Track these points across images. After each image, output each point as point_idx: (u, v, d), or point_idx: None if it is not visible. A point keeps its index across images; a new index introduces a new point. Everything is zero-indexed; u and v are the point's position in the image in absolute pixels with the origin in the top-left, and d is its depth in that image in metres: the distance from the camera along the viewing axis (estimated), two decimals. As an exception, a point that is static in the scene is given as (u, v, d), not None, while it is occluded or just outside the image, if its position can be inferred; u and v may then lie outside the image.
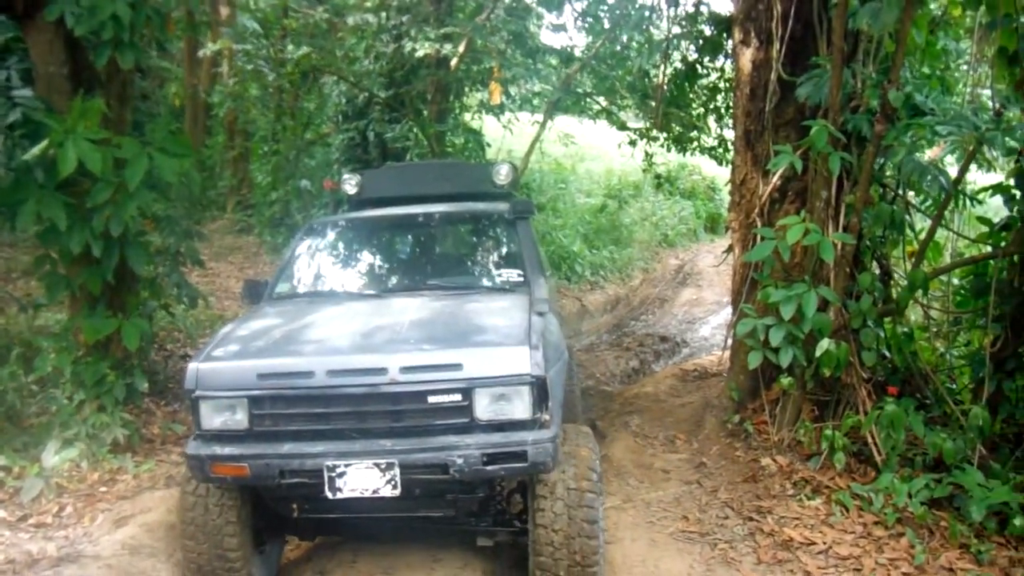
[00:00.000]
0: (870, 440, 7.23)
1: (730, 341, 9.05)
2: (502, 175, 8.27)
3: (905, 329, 8.00)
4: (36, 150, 6.87)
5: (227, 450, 5.23)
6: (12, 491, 6.90)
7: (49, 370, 7.97)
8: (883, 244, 8.35)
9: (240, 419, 5.26)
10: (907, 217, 8.20)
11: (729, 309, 10.33)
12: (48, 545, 6.15)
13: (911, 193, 8.38)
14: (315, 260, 7.61)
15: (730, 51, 11.22)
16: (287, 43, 16.04)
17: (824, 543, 6.27)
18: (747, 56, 8.40)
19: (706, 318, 17.33)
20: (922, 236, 7.99)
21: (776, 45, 7.88)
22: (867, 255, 8.16)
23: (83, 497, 6.97)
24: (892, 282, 8.38)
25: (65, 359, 7.85)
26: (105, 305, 7.96)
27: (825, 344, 6.99)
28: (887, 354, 8.25)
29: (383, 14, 14.54)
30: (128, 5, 6.97)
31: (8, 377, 7.75)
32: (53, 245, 7.63)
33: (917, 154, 7.38)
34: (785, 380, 7.53)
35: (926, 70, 8.43)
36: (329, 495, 5.11)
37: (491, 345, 5.28)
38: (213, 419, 5.31)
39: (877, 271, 8.16)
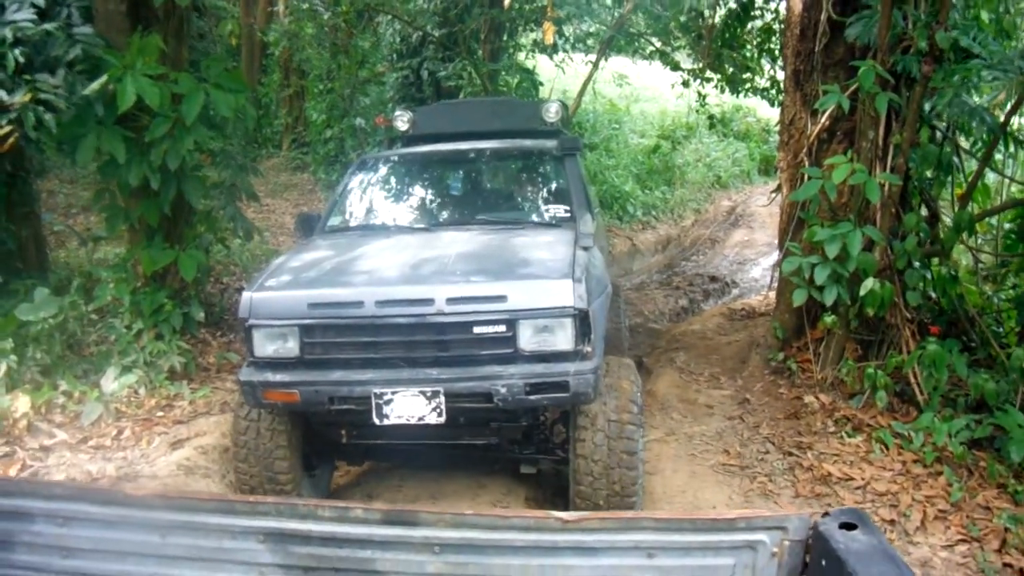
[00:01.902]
0: (912, 380, 7.26)
1: (776, 280, 9.08)
2: (551, 113, 8.31)
3: (951, 271, 7.97)
4: (96, 85, 7.02)
5: (279, 377, 5.38)
6: (73, 415, 7.12)
7: (109, 300, 8.21)
8: (930, 186, 8.32)
9: (291, 347, 5.41)
10: (956, 159, 8.17)
11: (779, 252, 10.34)
12: (107, 466, 6.38)
13: (962, 136, 8.33)
14: (366, 194, 7.73)
15: (782, -9, 11.14)
16: (342, -19, 16.06)
17: (862, 479, 6.35)
18: (798, -4, 8.36)
19: (757, 259, 17.26)
20: (971, 178, 7.96)
21: (827, -15, 7.84)
22: (914, 196, 8.14)
23: (140, 421, 7.20)
24: (939, 224, 8.33)
25: (124, 289, 8.07)
26: (163, 237, 8.16)
27: (870, 283, 7.00)
28: (932, 295, 8.27)
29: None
30: (185, -57, 7.07)
31: (69, 307, 7.91)
32: (112, 178, 7.81)
33: (965, 96, 7.33)
34: (829, 319, 7.58)
35: (984, 15, 8.33)
36: (376, 421, 5.25)
37: (535, 278, 5.37)
38: (266, 347, 5.46)
39: (924, 212, 8.13)
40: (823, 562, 2.14)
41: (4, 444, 6.56)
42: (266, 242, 12.43)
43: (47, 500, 2.57)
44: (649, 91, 29.16)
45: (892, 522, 5.80)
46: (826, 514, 2.20)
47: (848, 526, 2.14)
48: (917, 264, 7.56)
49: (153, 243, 8.09)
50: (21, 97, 6.82)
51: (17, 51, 6.85)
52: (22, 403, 6.82)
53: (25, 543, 2.57)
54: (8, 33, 6.86)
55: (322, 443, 6.31)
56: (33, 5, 7.14)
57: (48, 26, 7.13)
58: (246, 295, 5.56)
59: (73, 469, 6.30)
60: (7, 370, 7.05)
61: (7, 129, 6.91)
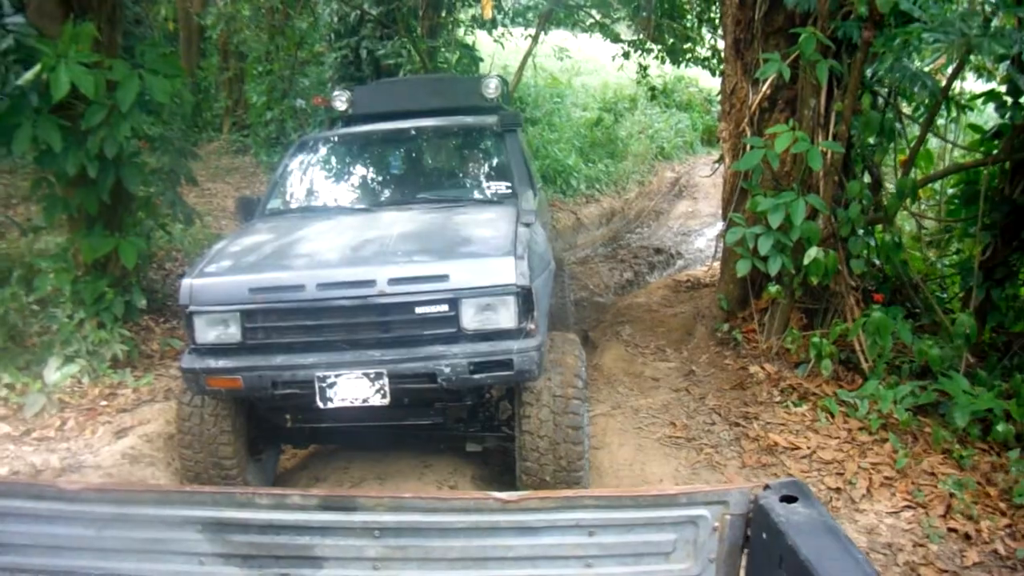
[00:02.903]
0: (857, 348, 7.31)
1: (720, 251, 9.11)
2: (491, 89, 8.28)
3: (895, 238, 8.02)
4: (29, 75, 6.92)
5: (221, 363, 5.33)
6: (15, 407, 7.03)
7: (49, 290, 8.07)
8: (873, 152, 8.35)
9: (233, 333, 5.35)
10: (898, 125, 8.20)
11: (723, 222, 10.37)
12: (51, 457, 6.29)
13: (903, 102, 8.37)
14: (306, 176, 7.66)
15: (721, -40, 11.13)
16: (277, -39, 15.92)
17: (808, 448, 6.39)
18: (736, -36, 8.35)
19: (701, 230, 17.37)
20: (913, 144, 8.01)
21: (764, -47, 7.84)
22: (857, 163, 8.17)
23: (84, 411, 7.11)
24: (882, 190, 8.39)
25: (64, 279, 7.95)
26: (102, 225, 8.04)
27: (813, 252, 7.02)
28: (876, 262, 8.31)
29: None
30: (116, -73, 6.97)
31: (10, 298, 7.83)
32: (50, 167, 7.70)
33: (907, 61, 7.35)
34: (773, 288, 7.60)
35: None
36: (320, 405, 5.21)
37: (477, 256, 5.33)
38: (207, 333, 5.39)
39: (867, 179, 8.17)
40: (764, 535, 2.13)
41: (-55, 438, 6.45)
42: (208, 227, 12.32)
43: (-24, 497, 2.52)
44: (590, 64, 29.15)
45: (838, 490, 5.84)
46: (767, 487, 2.19)
47: (788, 499, 2.14)
48: (860, 232, 7.59)
49: (93, 231, 7.97)
50: (-48, 91, 6.72)
51: (-54, 44, 6.74)
52: (-37, 396, 6.72)
53: (-43, 541, 2.52)
54: (-64, 26, 6.74)
55: (267, 428, 6.27)
56: (-38, -3, 7.03)
57: (-22, 18, 7.02)
58: (185, 282, 5.49)
59: (17, 462, 6.20)
60: (-52, 364, 6.93)
61: (-62, 125, 6.81)
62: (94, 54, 7.17)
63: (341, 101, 8.55)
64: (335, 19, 16.81)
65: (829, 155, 7.30)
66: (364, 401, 5.18)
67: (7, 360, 7.48)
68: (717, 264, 9.72)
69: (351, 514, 2.28)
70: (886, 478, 5.96)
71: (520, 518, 2.24)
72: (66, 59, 6.90)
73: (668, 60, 17.82)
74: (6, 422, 6.82)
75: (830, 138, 7.45)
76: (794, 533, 2.00)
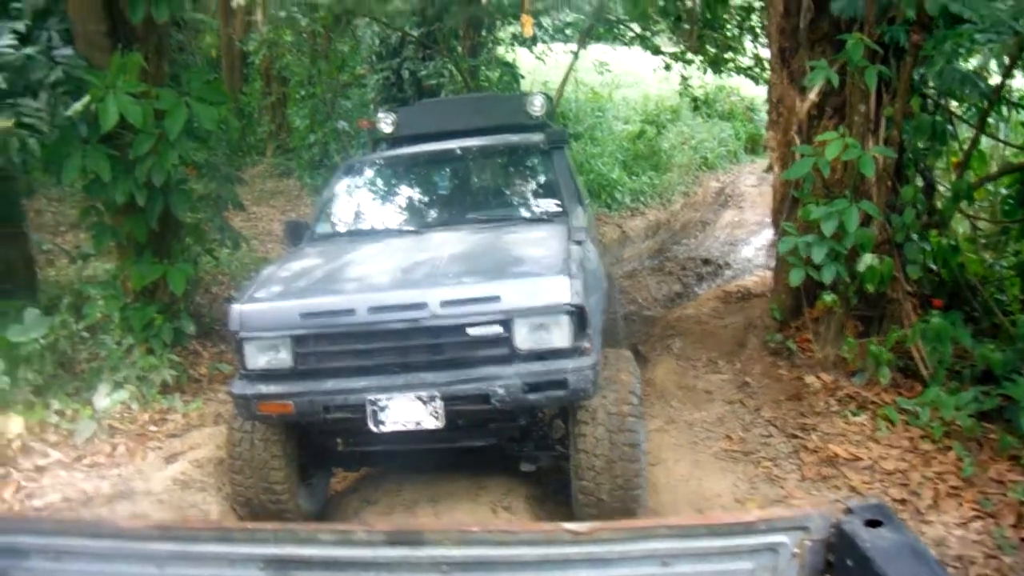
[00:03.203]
0: (916, 354, 7.18)
1: (772, 261, 9.02)
2: (536, 106, 8.25)
3: (951, 241, 7.90)
4: (78, 106, 7.03)
5: (272, 388, 5.33)
6: (66, 433, 7.05)
7: (98, 317, 8.14)
8: (925, 156, 8.24)
9: (284, 358, 5.35)
10: (949, 127, 8.09)
11: (771, 230, 10.27)
12: (102, 483, 6.30)
13: (953, 103, 8.26)
14: (353, 199, 7.66)
15: (762, -32, 11.08)
16: (318, -14, 16.01)
17: (869, 458, 6.27)
18: (779, -28, 8.28)
19: (748, 239, 17.21)
20: (966, 146, 7.89)
21: (808, -40, 7.77)
22: (909, 168, 8.05)
23: (134, 437, 7.14)
24: (936, 194, 8.28)
25: (113, 305, 8.02)
26: (151, 252, 8.11)
27: (868, 259, 6.93)
28: (932, 267, 8.17)
29: (413, -48, 14.49)
30: (162, -40, 7.05)
31: (60, 325, 7.87)
32: (99, 196, 7.83)
33: (957, 62, 7.25)
34: (828, 297, 7.49)
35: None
36: (373, 428, 5.19)
37: (529, 276, 5.30)
38: (258, 359, 5.40)
39: (920, 183, 8.04)
40: (848, 562, 2.06)
41: (-2, 466, 6.48)
42: (254, 250, 12.38)
43: (40, 535, 2.50)
44: (630, 76, 29.06)
45: (903, 501, 5.72)
46: (849, 511, 2.12)
47: (873, 523, 2.07)
48: (915, 236, 7.47)
49: (141, 258, 8.05)
50: (4, 122, 6.82)
51: (-1, 77, 6.83)
52: (15, 424, 6.74)
53: (19, 580, 2.51)
54: (-10, 60, 6.84)
55: (318, 452, 6.24)
56: (13, 31, 7.13)
57: (29, 50, 7.17)
58: (235, 308, 5.51)
59: (68, 488, 6.22)
60: (-1, 392, 6.99)
61: (-8, 154, 6.90)
62: (141, 84, 7.28)
63: (387, 123, 8.55)
64: (376, 41, 16.92)
65: (881, 160, 7.22)
66: (417, 424, 5.15)
67: (57, 387, 7.54)
68: (767, 274, 9.62)
69: (417, 549, 2.24)
70: (952, 487, 5.82)
71: (592, 550, 2.19)
72: (114, 90, 7.02)
73: (710, 70, 17.73)
74: (57, 448, 6.85)
75: (881, 143, 7.36)
76: (881, 559, 1.94)
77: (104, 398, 7.36)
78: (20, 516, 5.17)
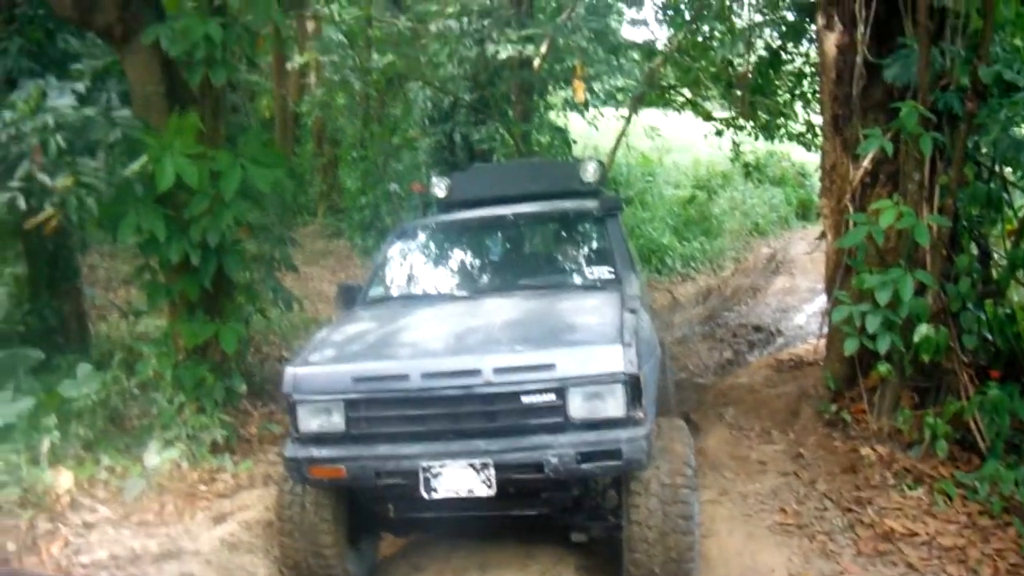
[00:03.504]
0: (973, 427, 7.04)
1: (825, 329, 8.93)
2: (589, 172, 8.25)
3: (1007, 310, 7.80)
4: (136, 166, 7.13)
5: (324, 452, 5.33)
6: (116, 490, 7.06)
7: (150, 374, 8.16)
8: (980, 224, 8.14)
9: (336, 422, 5.36)
10: (1004, 195, 8.01)
11: (823, 297, 10.18)
12: (150, 542, 6.28)
13: (1008, 171, 8.19)
14: (406, 263, 7.70)
15: (814, 36, 11.10)
16: (372, 52, 16.22)
17: (927, 534, 6.15)
18: (831, 40, 8.26)
19: (800, 306, 17.08)
20: (1021, 214, 7.81)
21: (860, 27, 7.72)
22: (964, 236, 7.96)
23: (183, 496, 7.11)
24: (992, 263, 8.17)
25: (165, 363, 8.04)
26: (203, 311, 8.15)
27: (924, 329, 6.85)
28: (989, 337, 8.05)
29: (465, 19, 14.65)
30: (219, 25, 7.18)
31: (111, 381, 7.94)
32: (153, 255, 7.87)
33: (1012, 130, 7.20)
34: (883, 367, 7.39)
35: (1018, 42, 8.22)
36: (424, 495, 5.16)
37: (584, 344, 5.28)
38: (310, 422, 5.41)
39: (975, 252, 7.95)
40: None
41: (47, 520, 6.45)
42: (304, 311, 12.43)
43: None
44: (681, 141, 29.13)
45: (961, 579, 5.62)
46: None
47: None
48: (971, 306, 7.38)
49: (194, 317, 8.09)
50: (63, 181, 6.91)
51: (59, 136, 6.95)
52: (65, 479, 6.78)
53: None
54: (50, 119, 6.96)
55: (367, 516, 6.20)
56: (73, 91, 7.25)
57: (88, 111, 7.26)
58: (289, 370, 5.54)
59: (116, 546, 6.21)
60: (51, 446, 7.03)
61: (50, 213, 6.97)
62: (198, 145, 7.35)
63: (440, 188, 8.60)
64: (429, 105, 17.04)
65: (935, 229, 7.15)
66: (469, 491, 5.12)
67: (108, 443, 7.61)
68: (820, 342, 9.51)
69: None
70: (1012, 565, 5.70)
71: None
72: (171, 150, 7.13)
73: (761, 136, 17.73)
74: (106, 505, 6.85)
75: (935, 211, 7.29)
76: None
77: (154, 455, 7.38)
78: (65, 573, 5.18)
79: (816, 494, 6.98)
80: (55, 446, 7.09)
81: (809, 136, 16.96)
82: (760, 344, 14.46)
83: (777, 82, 16.60)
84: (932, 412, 7.22)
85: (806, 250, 15.69)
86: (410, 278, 7.55)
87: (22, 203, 7.11)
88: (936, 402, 7.47)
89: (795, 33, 13.82)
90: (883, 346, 7.08)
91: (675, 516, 5.25)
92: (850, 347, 7.31)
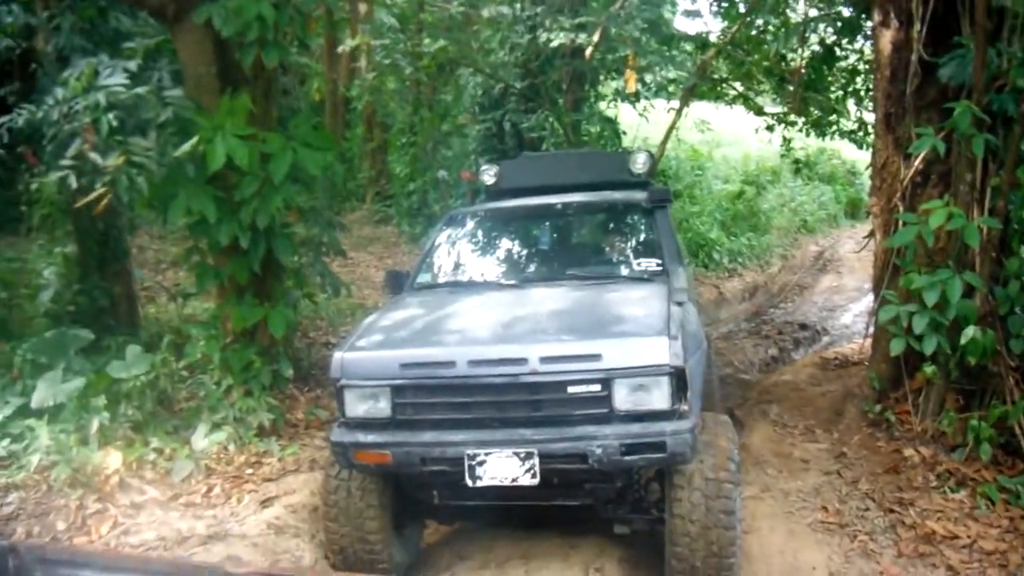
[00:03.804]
0: (1018, 431, 7.01)
1: (872, 329, 8.89)
2: (639, 164, 8.21)
3: (1056, 315, 7.74)
4: (187, 146, 7.14)
5: (370, 438, 5.36)
6: (163, 472, 7.14)
7: (198, 357, 8.26)
8: (1031, 227, 8.09)
9: (383, 407, 5.39)
10: (1057, 199, 7.94)
11: (871, 296, 10.13)
12: (197, 523, 6.38)
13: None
14: (455, 250, 7.71)
15: (869, 32, 11.01)
16: (423, 37, 16.21)
17: (968, 537, 6.12)
18: (887, 37, 8.20)
19: (847, 305, 17.01)
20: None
21: (917, 25, 7.66)
22: (1015, 239, 7.86)
23: (230, 478, 7.20)
24: (1042, 267, 8.11)
25: (214, 346, 8.13)
26: (252, 294, 8.19)
27: (971, 332, 6.81)
28: (1036, 342, 8.00)
29: (517, 5, 14.64)
30: (272, 6, 7.16)
31: (160, 363, 7.99)
32: (202, 237, 7.91)
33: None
34: (929, 369, 7.36)
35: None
36: (469, 483, 5.18)
37: (630, 335, 5.28)
38: (357, 407, 5.45)
39: (1025, 255, 7.91)
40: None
41: (96, 501, 6.57)
42: (351, 296, 12.48)
43: (148, 575, 2.54)
44: (731, 136, 28.99)
45: (1002, 583, 5.59)
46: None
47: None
48: (1020, 310, 7.31)
49: (243, 300, 8.14)
50: (115, 160, 6.97)
51: (110, 115, 7.03)
52: (114, 459, 6.87)
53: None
54: (102, 98, 7.02)
55: (412, 503, 6.23)
56: (125, 70, 7.30)
57: (140, 90, 7.30)
58: (337, 355, 5.57)
59: (164, 527, 6.31)
60: (100, 427, 7.11)
61: (101, 191, 7.04)
62: (249, 127, 7.36)
63: (489, 175, 8.58)
64: (479, 92, 17.04)
65: (986, 231, 7.09)
66: (513, 480, 5.12)
67: (156, 424, 7.66)
68: (866, 342, 9.46)
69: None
70: (1053, 571, 5.68)
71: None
72: (222, 131, 7.11)
73: (813, 132, 17.61)
74: (154, 486, 6.94)
75: (986, 213, 7.24)
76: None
77: (202, 438, 7.47)
78: (128, 555, 5.25)
79: (858, 494, 6.96)
80: (104, 427, 7.17)
81: (861, 134, 16.79)
82: (806, 342, 14.43)
83: (830, 78, 16.47)
84: (977, 415, 7.19)
85: (854, 249, 15.57)
86: (458, 265, 7.56)
87: (73, 182, 7.20)
88: (981, 405, 7.43)
89: (850, 29, 13.69)
90: (929, 347, 7.05)
91: (717, 511, 5.25)
92: (896, 347, 7.29)
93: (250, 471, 7.37)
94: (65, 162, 7.19)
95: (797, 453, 7.85)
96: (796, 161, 18.97)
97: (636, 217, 7.71)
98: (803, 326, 15.28)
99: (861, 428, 8.12)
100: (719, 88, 19.18)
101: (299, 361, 9.58)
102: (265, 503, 6.81)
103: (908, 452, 7.35)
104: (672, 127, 17.21)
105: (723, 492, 5.28)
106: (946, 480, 6.91)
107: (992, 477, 6.81)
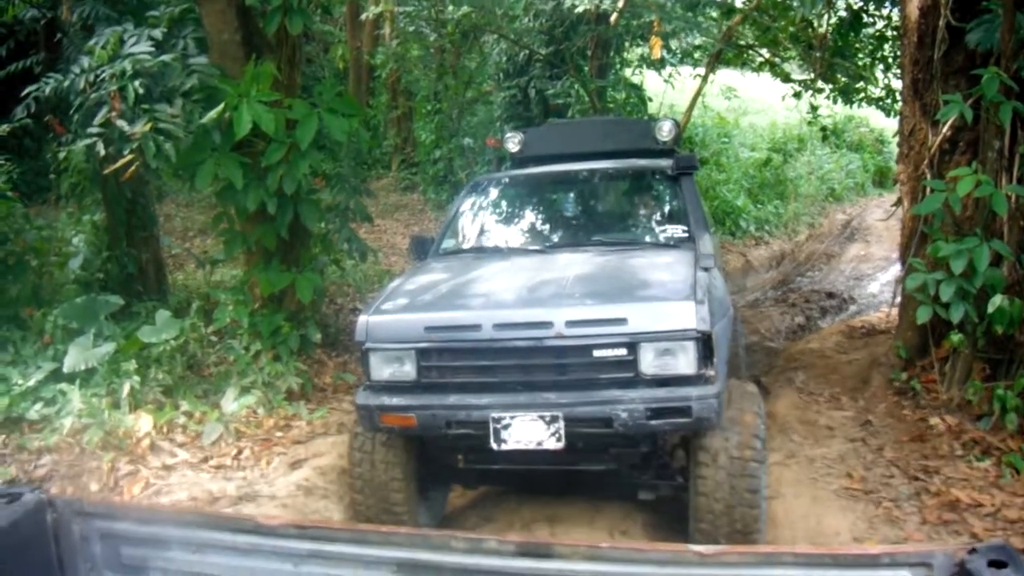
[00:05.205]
0: (1045, 401, 7.00)
1: (899, 297, 8.87)
2: (665, 131, 8.18)
3: (1085, 284, 7.69)
4: (213, 113, 7.20)
5: (395, 400, 5.39)
6: (194, 435, 7.26)
7: (227, 322, 8.34)
8: (1060, 196, 8.03)
9: (408, 371, 5.42)
10: (1087, 168, 7.89)
11: (898, 265, 10.10)
12: (227, 485, 6.47)
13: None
14: (479, 217, 7.73)
15: (897, -2, 10.93)
16: (447, 3, 16.19)
17: (993, 505, 6.10)
18: (914, 2, 8.12)
19: (874, 274, 16.95)
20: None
21: (945, -10, 7.63)
22: (1043, 207, 7.87)
23: (259, 441, 7.30)
24: (1070, 235, 8.06)
25: (242, 311, 8.20)
26: (279, 260, 8.29)
27: (998, 300, 6.76)
28: (1064, 311, 7.97)
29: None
30: (294, -28, 7.18)
31: (189, 328, 8.11)
32: (230, 203, 7.99)
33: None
34: (955, 337, 7.33)
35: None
36: (494, 446, 5.20)
37: (656, 300, 5.30)
38: (382, 370, 5.48)
39: (1054, 224, 7.86)
40: (971, 600, 2.03)
41: (128, 463, 6.69)
42: (378, 262, 12.55)
43: (182, 527, 2.58)
44: (758, 103, 28.88)
45: (1025, 551, 5.58)
46: (973, 550, 2.09)
47: (997, 563, 2.04)
48: (1048, 279, 7.29)
49: (270, 266, 8.21)
50: (141, 127, 7.02)
51: (136, 83, 7.06)
52: (145, 422, 6.98)
53: (160, 568, 2.58)
54: (128, 65, 7.05)
55: (437, 466, 6.27)
56: (150, 38, 7.32)
57: (165, 58, 7.33)
58: (362, 319, 5.60)
59: (195, 488, 6.40)
60: (131, 390, 7.22)
61: (129, 158, 7.09)
62: (274, 93, 7.41)
63: (514, 142, 8.57)
64: (504, 59, 17.03)
65: (1014, 199, 7.05)
66: (538, 444, 5.14)
67: (186, 389, 7.78)
68: (893, 310, 9.44)
69: (546, 561, 2.26)
70: (1077, 539, 5.67)
71: (718, 572, 2.19)
72: (248, 98, 7.20)
73: (840, 100, 17.51)
74: (185, 449, 7.06)
75: (1015, 181, 7.18)
76: (1005, 599, 1.91)
77: (232, 402, 7.55)
78: (163, 508, 5.33)
79: (883, 461, 6.96)
80: (135, 390, 7.27)
81: (888, 101, 16.72)
82: (832, 311, 14.39)
83: (857, 45, 16.38)
84: (1003, 385, 7.15)
85: (882, 217, 15.51)
86: (483, 231, 7.57)
87: (101, 149, 7.25)
88: (1008, 375, 7.39)
89: (878, -6, 13.63)
90: (956, 316, 7.01)
91: (742, 490, 5.24)
92: (923, 315, 7.25)
93: (279, 434, 7.47)
94: (92, 130, 7.23)
95: (822, 420, 7.85)
96: (823, 129, 18.90)
97: (662, 184, 7.69)
98: (830, 295, 15.24)
99: (887, 396, 8.11)
100: (745, 55, 19.16)
101: (327, 326, 9.67)
102: (294, 465, 6.90)
103: (934, 421, 7.34)
104: (698, 94, 17.18)
105: (748, 471, 5.26)
106: (971, 449, 6.88)
107: (1017, 447, 6.77)
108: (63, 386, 7.17)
